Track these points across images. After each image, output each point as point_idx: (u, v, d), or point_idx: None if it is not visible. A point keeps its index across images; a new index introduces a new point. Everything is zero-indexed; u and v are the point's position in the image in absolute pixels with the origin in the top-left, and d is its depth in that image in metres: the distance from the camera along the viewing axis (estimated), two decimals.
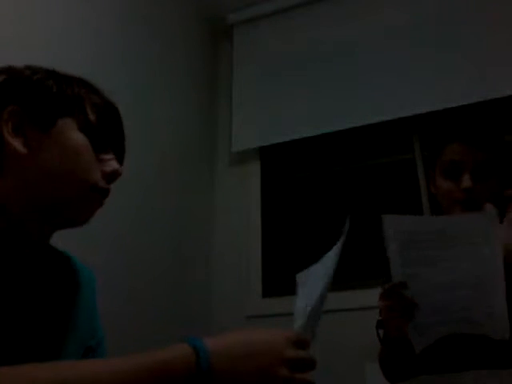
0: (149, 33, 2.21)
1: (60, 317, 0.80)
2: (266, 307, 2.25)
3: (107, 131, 0.82)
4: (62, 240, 0.87)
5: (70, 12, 1.74)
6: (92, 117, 0.80)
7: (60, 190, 0.76)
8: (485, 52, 2.19)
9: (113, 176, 0.81)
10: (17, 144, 0.75)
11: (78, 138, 0.78)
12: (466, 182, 1.22)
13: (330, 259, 0.85)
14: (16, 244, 0.75)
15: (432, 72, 2.26)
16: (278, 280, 2.36)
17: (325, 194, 2.48)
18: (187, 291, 2.19)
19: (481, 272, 1.06)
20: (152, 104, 2.15)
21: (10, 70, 0.80)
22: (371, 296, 1.18)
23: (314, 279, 0.87)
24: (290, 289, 2.26)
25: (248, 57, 2.73)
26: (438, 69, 2.25)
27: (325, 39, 2.55)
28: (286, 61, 2.62)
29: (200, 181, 2.51)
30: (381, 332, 1.23)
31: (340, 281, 2.08)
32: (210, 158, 2.62)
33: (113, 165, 0.81)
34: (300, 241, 2.43)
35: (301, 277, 0.95)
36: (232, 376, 0.61)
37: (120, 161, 0.86)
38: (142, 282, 1.89)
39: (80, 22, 1.78)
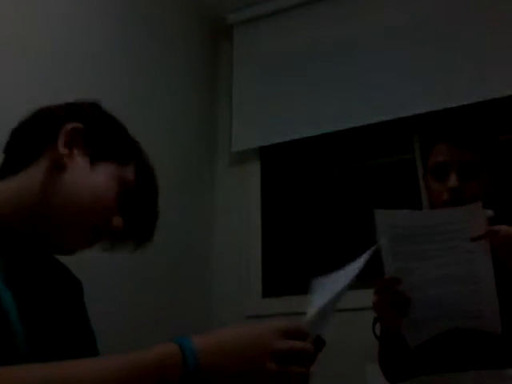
0: (149, 33, 2.20)
1: (57, 317, 0.80)
2: (265, 307, 2.24)
3: (135, 200, 0.89)
4: None
5: (69, 12, 1.74)
6: (131, 177, 0.87)
7: (63, 212, 0.79)
8: (485, 52, 2.18)
9: (112, 231, 0.86)
10: (62, 151, 0.80)
11: (110, 185, 0.83)
12: (453, 181, 1.22)
13: (350, 271, 0.83)
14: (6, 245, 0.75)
15: (432, 72, 2.25)
16: (278, 280, 2.36)
17: (325, 194, 2.47)
18: (187, 291, 2.19)
19: (472, 266, 1.06)
20: (152, 104, 2.14)
21: (94, 103, 0.90)
22: (371, 296, 1.18)
23: (330, 286, 0.85)
24: (289, 289, 2.28)
25: (248, 57, 2.73)
26: (438, 69, 2.25)
27: (325, 39, 2.55)
28: (286, 61, 2.61)
29: (200, 181, 2.51)
30: (377, 330, 1.23)
31: None
32: (209, 158, 2.62)
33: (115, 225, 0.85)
34: (300, 241, 2.43)
35: (317, 282, 0.92)
36: (221, 372, 0.60)
37: (136, 234, 0.94)
38: (142, 282, 1.88)
39: (80, 21, 1.78)
